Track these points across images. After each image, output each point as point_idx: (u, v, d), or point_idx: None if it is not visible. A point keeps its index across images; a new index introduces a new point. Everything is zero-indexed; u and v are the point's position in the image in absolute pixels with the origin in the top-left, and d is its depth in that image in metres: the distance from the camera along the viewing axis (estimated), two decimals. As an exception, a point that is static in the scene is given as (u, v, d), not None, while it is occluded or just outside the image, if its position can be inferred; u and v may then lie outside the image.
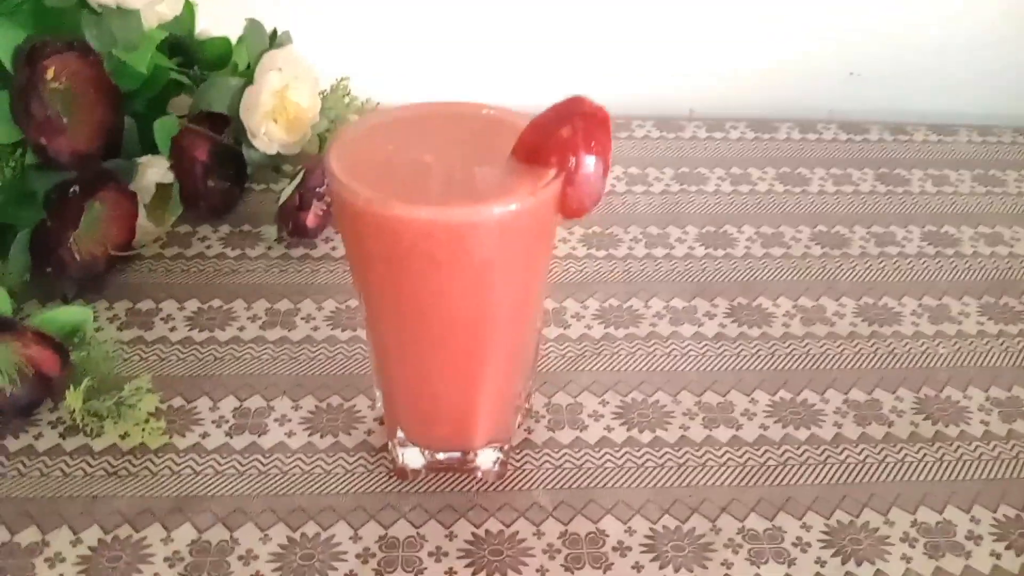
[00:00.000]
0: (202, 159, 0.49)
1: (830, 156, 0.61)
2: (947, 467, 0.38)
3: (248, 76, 0.48)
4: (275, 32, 0.51)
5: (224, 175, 0.51)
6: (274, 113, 0.48)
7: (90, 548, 0.33)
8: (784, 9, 0.64)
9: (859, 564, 0.33)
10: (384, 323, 0.31)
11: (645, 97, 0.65)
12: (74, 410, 0.36)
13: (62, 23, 0.41)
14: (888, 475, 0.37)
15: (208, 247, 0.49)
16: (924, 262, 0.50)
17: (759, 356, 0.43)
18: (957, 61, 0.66)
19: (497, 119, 0.32)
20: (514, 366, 0.33)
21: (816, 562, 0.34)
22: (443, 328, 0.30)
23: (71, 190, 0.41)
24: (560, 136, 0.29)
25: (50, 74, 0.40)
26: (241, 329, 0.44)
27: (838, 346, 0.44)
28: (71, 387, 0.36)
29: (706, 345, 0.44)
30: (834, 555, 0.34)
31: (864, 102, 0.67)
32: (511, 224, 0.28)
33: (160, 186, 0.48)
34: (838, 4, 0.64)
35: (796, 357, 0.43)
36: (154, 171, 0.47)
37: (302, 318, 0.44)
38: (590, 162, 0.29)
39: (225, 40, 0.54)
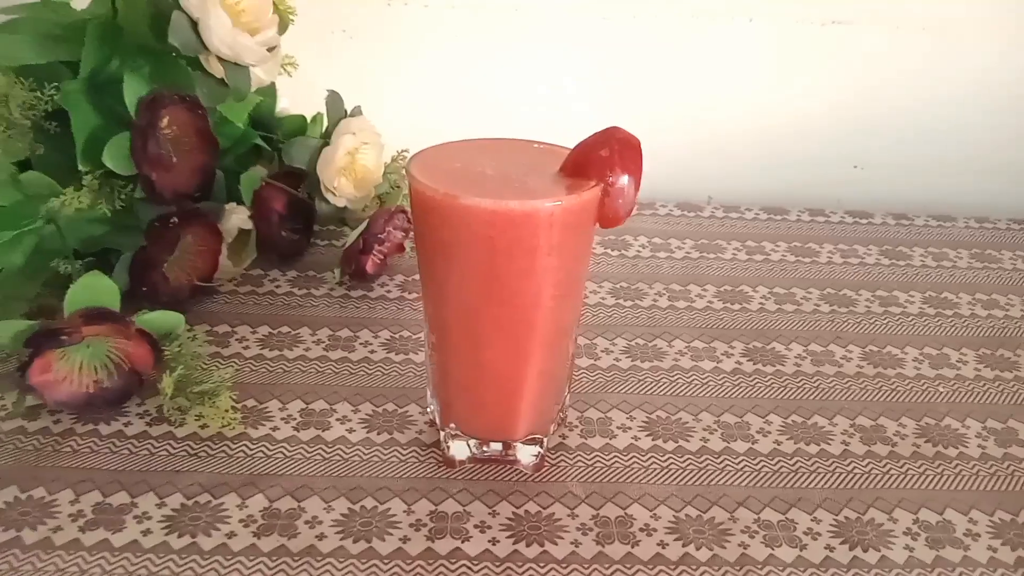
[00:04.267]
0: (279, 210, 0.56)
1: (837, 235, 0.66)
2: (947, 480, 0.41)
3: (326, 138, 0.55)
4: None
5: (296, 226, 0.58)
6: (345, 171, 0.55)
7: (173, 510, 0.37)
8: (795, 107, 0.72)
9: (865, 551, 0.37)
10: (448, 308, 0.36)
11: (667, 182, 0.72)
12: (166, 394, 0.41)
13: (177, 81, 0.48)
14: (892, 483, 0.41)
15: (277, 287, 0.55)
16: (925, 320, 0.55)
17: (772, 387, 0.48)
18: (956, 156, 0.73)
19: (546, 149, 0.38)
20: (554, 356, 0.38)
21: (825, 548, 0.37)
22: (498, 308, 0.35)
23: (171, 220, 0.48)
24: (600, 156, 0.35)
25: (164, 121, 0.47)
26: (307, 350, 0.49)
27: (845, 383, 0.48)
28: (167, 372, 0.41)
29: (724, 377, 0.48)
30: (842, 543, 0.37)
31: (869, 192, 0.74)
32: (558, 218, 0.33)
33: (240, 232, 0.55)
34: (843, 102, 0.72)
35: (807, 390, 0.48)
36: (237, 217, 0.54)
37: (361, 343, 0.50)
38: (624, 178, 0.35)
39: (301, 117, 0.62)
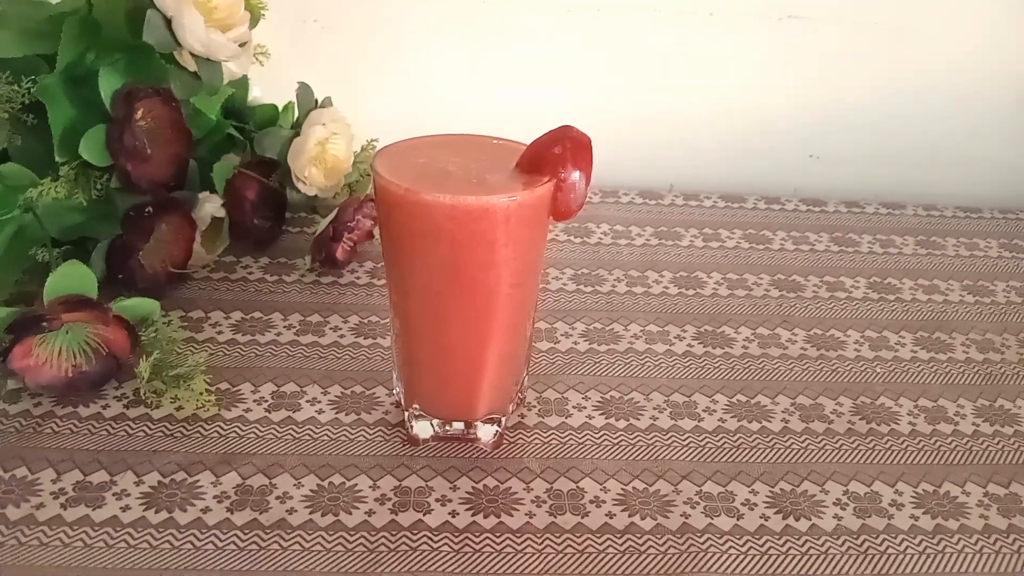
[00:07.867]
0: (251, 199, 0.57)
1: (791, 222, 0.69)
2: (877, 454, 0.44)
3: (297, 129, 0.57)
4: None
5: (268, 214, 0.60)
6: (316, 160, 0.57)
7: (151, 487, 0.39)
8: (754, 99, 0.75)
9: (797, 520, 0.40)
10: (412, 296, 0.39)
11: (630, 171, 0.74)
12: (143, 377, 0.43)
13: (151, 74, 0.50)
14: (826, 458, 0.44)
15: (250, 273, 0.57)
16: (868, 304, 0.58)
17: (720, 369, 0.50)
18: (907, 147, 0.76)
19: (504, 145, 0.41)
20: (512, 340, 0.41)
21: (761, 517, 0.40)
22: (459, 297, 0.38)
23: (146, 210, 0.50)
24: (553, 153, 0.38)
25: (139, 113, 0.49)
26: (279, 335, 0.51)
27: (789, 364, 0.51)
28: (144, 357, 0.43)
29: (675, 359, 0.51)
30: (776, 513, 0.40)
31: (824, 181, 0.77)
32: (513, 212, 0.36)
33: (214, 219, 0.56)
34: (800, 94, 0.74)
35: (752, 370, 0.50)
36: (210, 205, 0.56)
37: (331, 328, 0.52)
38: (575, 174, 0.38)
39: (273, 106, 0.63)
